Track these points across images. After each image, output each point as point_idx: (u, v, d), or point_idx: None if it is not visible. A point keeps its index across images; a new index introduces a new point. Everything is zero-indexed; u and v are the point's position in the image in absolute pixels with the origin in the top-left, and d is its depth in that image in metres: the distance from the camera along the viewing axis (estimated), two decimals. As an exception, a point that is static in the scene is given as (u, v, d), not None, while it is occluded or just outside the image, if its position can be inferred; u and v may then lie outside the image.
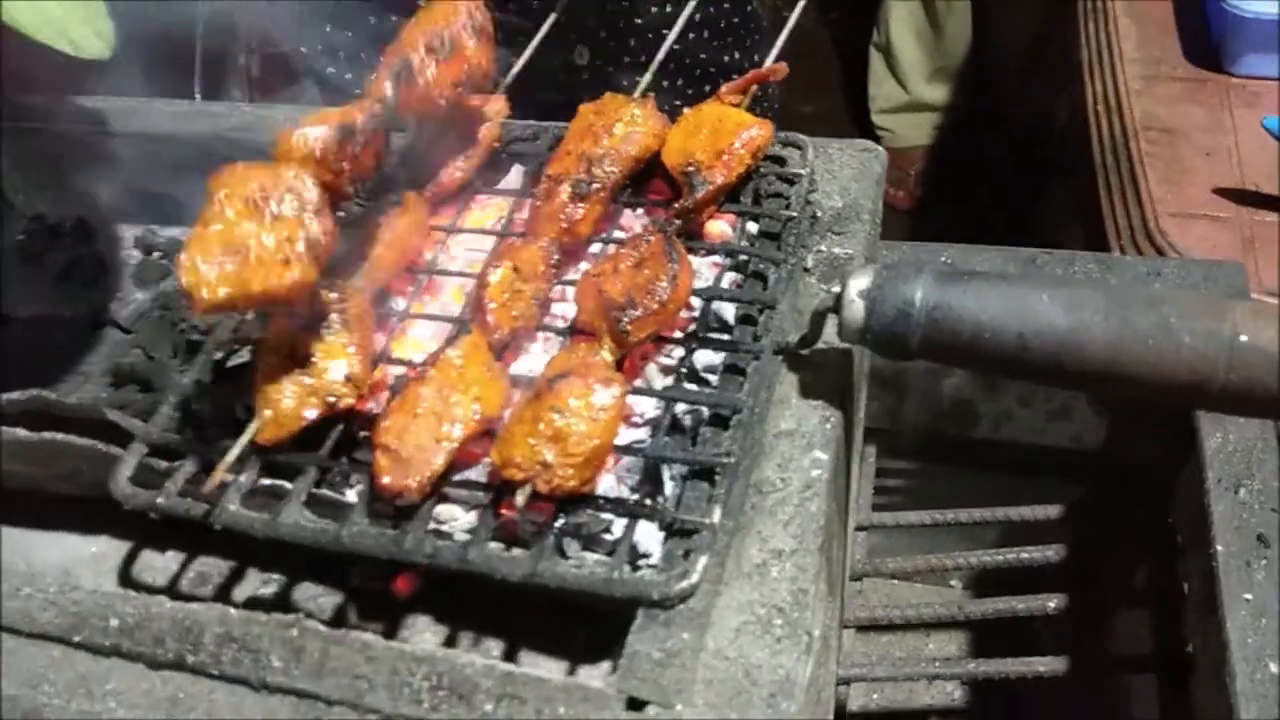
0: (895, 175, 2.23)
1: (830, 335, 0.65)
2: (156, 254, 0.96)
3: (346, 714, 0.53)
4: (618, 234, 0.74)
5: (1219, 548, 0.70)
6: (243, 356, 0.74)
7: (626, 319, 0.63)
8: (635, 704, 0.51)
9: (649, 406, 0.65)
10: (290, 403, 0.62)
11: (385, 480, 0.59)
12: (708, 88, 1.27)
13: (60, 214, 1.02)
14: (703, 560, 0.55)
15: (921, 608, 0.95)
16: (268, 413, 0.62)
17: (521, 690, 0.52)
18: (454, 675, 0.53)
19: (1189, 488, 0.81)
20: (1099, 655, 0.91)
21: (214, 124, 0.91)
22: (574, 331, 0.67)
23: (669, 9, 1.16)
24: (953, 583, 1.21)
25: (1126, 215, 1.09)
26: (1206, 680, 0.75)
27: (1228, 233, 1.05)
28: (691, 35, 1.20)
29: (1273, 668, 0.64)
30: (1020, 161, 1.88)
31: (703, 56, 1.02)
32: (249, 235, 0.59)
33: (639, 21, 0.93)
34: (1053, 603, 0.91)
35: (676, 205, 0.71)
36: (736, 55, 1.28)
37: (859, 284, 0.59)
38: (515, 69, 0.82)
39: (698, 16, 1.18)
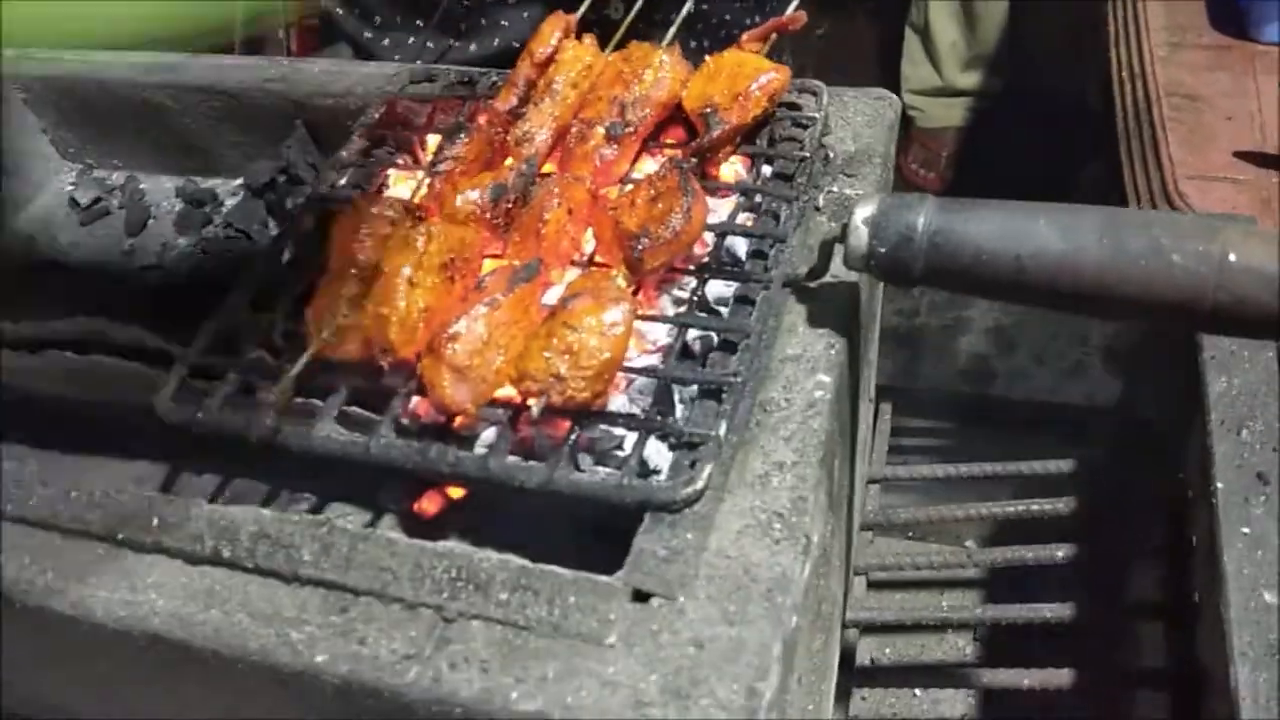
0: (926, 156, 2.22)
1: (838, 269, 0.68)
2: (196, 203, 1.01)
3: (372, 603, 0.56)
4: (635, 177, 0.77)
5: (1219, 485, 0.71)
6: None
7: (640, 247, 0.65)
8: (640, 596, 0.54)
9: (662, 334, 0.68)
10: (350, 321, 0.65)
11: (450, 398, 0.61)
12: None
13: (106, 164, 1.07)
14: (708, 468, 0.57)
15: (932, 554, 0.97)
16: (327, 332, 0.65)
17: (534, 582, 0.55)
18: (471, 568, 0.56)
19: (1197, 438, 0.82)
20: (1107, 604, 0.93)
21: (252, 74, 0.94)
22: (590, 263, 0.70)
23: None
24: (967, 543, 1.23)
25: (1146, 179, 1.09)
26: (1207, 618, 0.76)
27: (1246, 194, 1.05)
28: None
29: (1268, 597, 0.65)
30: (1052, 146, 1.88)
31: (727, 18, 1.07)
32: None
33: None
34: (1061, 552, 0.92)
35: (693, 144, 0.73)
36: (759, 19, 1.31)
37: (864, 211, 0.61)
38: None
39: None
